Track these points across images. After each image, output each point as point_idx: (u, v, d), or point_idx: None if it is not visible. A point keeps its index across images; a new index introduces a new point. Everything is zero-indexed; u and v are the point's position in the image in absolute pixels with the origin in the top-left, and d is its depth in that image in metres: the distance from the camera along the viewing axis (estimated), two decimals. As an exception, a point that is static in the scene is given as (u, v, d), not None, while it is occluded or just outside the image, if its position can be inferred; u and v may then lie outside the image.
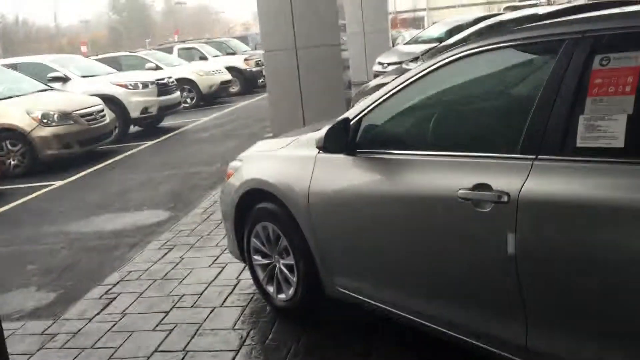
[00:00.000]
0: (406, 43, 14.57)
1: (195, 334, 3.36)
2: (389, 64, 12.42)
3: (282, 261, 3.37)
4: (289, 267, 3.31)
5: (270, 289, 3.49)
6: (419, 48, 12.55)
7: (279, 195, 3.18)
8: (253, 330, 3.33)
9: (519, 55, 2.40)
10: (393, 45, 17.55)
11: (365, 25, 15.93)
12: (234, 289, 3.91)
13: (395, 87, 2.70)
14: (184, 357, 3.12)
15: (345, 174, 2.82)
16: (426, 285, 2.54)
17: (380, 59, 13.00)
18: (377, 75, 12.42)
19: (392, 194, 2.58)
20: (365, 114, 2.79)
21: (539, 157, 2.08)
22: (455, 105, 2.68)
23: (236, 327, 3.40)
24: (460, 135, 2.52)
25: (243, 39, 26.70)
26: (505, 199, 2.11)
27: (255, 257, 3.55)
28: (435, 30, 14.41)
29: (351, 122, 2.79)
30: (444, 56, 2.55)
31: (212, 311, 3.62)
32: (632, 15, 2.10)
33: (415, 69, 2.67)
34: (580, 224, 1.96)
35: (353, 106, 7.22)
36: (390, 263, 2.68)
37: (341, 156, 2.84)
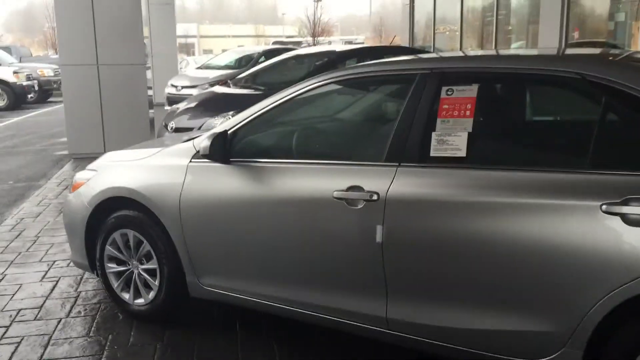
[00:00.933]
0: (198, 68, 14.85)
1: (48, 344, 3.28)
2: (182, 87, 12.59)
3: (141, 267, 3.47)
4: (150, 272, 3.43)
5: (126, 295, 3.56)
6: (210, 73, 13.02)
7: (145, 202, 3.31)
8: (112, 336, 3.37)
9: (381, 84, 2.97)
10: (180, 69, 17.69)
11: (153, 48, 15.84)
12: (76, 300, 3.85)
13: (270, 103, 3.08)
14: (42, 368, 3.06)
15: (220, 181, 3.09)
16: (300, 275, 2.92)
17: (172, 81, 13.10)
18: (170, 97, 12.52)
19: (268, 196, 2.94)
20: (240, 127, 3.11)
21: (402, 164, 2.63)
22: (325, 123, 3.15)
23: (91, 334, 3.40)
24: (336, 147, 3.00)
25: (6, 49, 24.41)
26: (375, 197, 2.62)
27: (110, 264, 3.58)
28: (225, 59, 14.97)
29: (228, 134, 3.09)
30: (313, 81, 3.00)
31: (59, 322, 3.54)
32: (468, 59, 2.78)
33: (286, 90, 3.07)
34: (433, 215, 2.53)
35: (165, 127, 7.33)
36: (264, 259, 3.02)
37: (216, 164, 3.11)
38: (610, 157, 2.31)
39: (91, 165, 3.80)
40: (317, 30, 46.45)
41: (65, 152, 9.01)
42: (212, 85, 10.93)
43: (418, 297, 2.62)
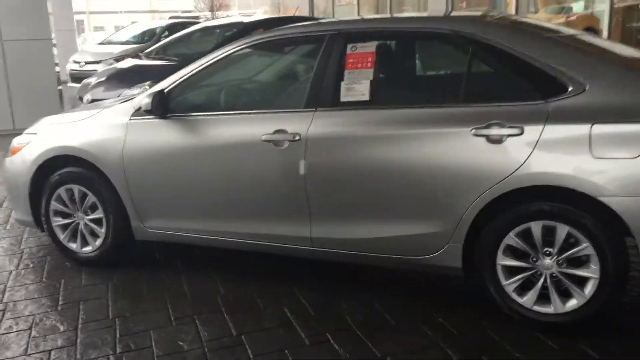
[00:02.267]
0: (100, 43, 14.67)
1: (4, 291, 3.61)
2: (86, 63, 12.50)
3: (87, 217, 3.85)
4: (96, 221, 3.82)
5: (73, 245, 3.93)
6: (112, 49, 13.00)
7: (90, 159, 3.69)
8: (64, 280, 3.75)
9: (295, 45, 3.51)
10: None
11: (53, 24, 15.43)
12: (22, 255, 4.16)
13: (200, 65, 3.54)
14: (5, 309, 3.40)
15: (161, 134, 3.53)
16: (233, 209, 3.44)
17: (75, 57, 12.96)
18: (73, 73, 12.42)
19: (203, 144, 3.42)
20: (175, 87, 3.55)
21: (318, 109, 3.20)
22: (255, 80, 3.67)
23: (44, 280, 3.75)
24: (262, 99, 3.52)
25: None
26: (297, 137, 3.17)
27: (56, 218, 3.93)
28: (126, 34, 14.85)
29: (164, 92, 3.52)
30: (237, 44, 3.49)
31: (10, 273, 3.87)
32: (368, 21, 3.37)
33: (216, 52, 3.54)
34: (344, 148, 3.12)
35: (80, 99, 7.51)
36: (201, 199, 3.50)
37: (154, 120, 3.54)
38: (477, 93, 2.99)
39: (29, 130, 4.09)
40: (214, 4, 45.83)
41: (-28, 132, 8.89)
42: (117, 60, 11.01)
43: (335, 217, 3.22)
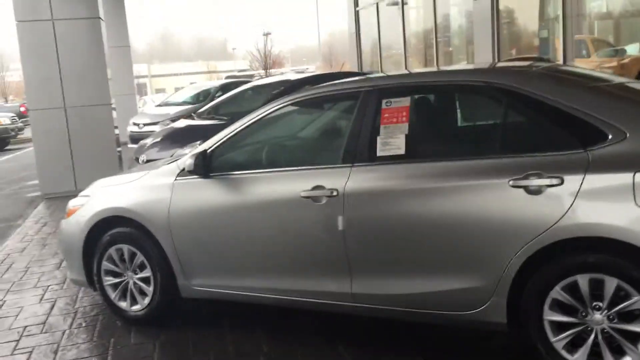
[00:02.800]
0: (157, 105, 15.32)
1: (57, 349, 3.72)
2: (144, 125, 13.06)
3: (135, 276, 3.95)
4: (145, 280, 3.92)
5: (123, 304, 4.02)
6: (172, 110, 13.53)
7: (138, 218, 3.81)
8: (114, 339, 3.83)
9: (332, 102, 3.59)
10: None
11: (112, 89, 16.27)
12: (76, 314, 4.29)
13: (240, 126, 3.65)
14: (56, 368, 3.49)
15: (204, 193, 3.63)
16: (276, 266, 3.46)
17: (134, 120, 13.57)
18: (133, 135, 12.99)
19: (245, 202, 3.49)
20: (217, 147, 3.67)
21: (354, 164, 3.22)
22: (289, 137, 3.75)
23: (95, 339, 3.84)
24: (300, 156, 3.59)
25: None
26: (335, 193, 3.20)
27: (107, 278, 4.05)
28: (182, 95, 15.49)
29: (207, 153, 3.64)
30: (275, 104, 3.60)
31: (64, 333, 3.98)
32: (401, 77, 3.41)
33: (255, 112, 3.66)
34: (382, 203, 3.11)
35: (136, 160, 7.80)
36: (244, 256, 3.55)
37: (198, 180, 3.65)
38: (513, 144, 2.95)
39: (83, 192, 4.28)
40: (268, 62, 47.30)
41: (38, 193, 9.34)
42: (173, 120, 11.44)
43: (375, 272, 3.19)
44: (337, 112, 3.66)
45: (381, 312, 3.24)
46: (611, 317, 2.69)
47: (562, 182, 2.71)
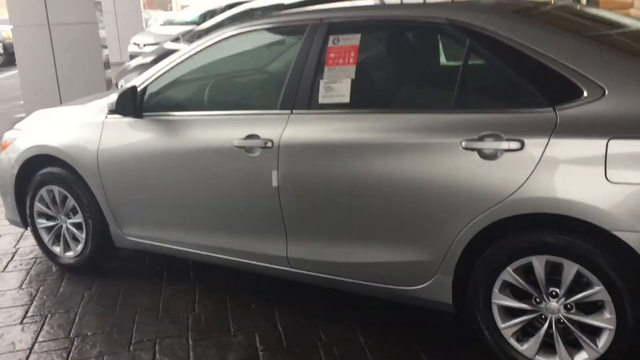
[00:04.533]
0: (162, 25, 14.70)
1: (-19, 297, 3.45)
2: (145, 45, 12.52)
3: (69, 221, 3.62)
4: (77, 225, 3.58)
5: (57, 249, 3.71)
6: (174, 30, 12.87)
7: (66, 159, 3.43)
8: (42, 287, 3.54)
9: (275, 35, 3.08)
10: (146, 26, 17.50)
11: (116, 5, 15.64)
12: (13, 256, 4.01)
13: (176, 59, 3.18)
14: (-27, 318, 3.23)
15: (133, 134, 3.21)
16: (208, 221, 3.08)
17: (135, 39, 13.01)
18: (133, 55, 12.46)
19: (176, 147, 3.07)
20: (150, 83, 3.22)
21: (293, 111, 2.77)
22: (227, 74, 3.28)
23: (23, 286, 3.56)
24: (233, 98, 3.12)
25: None
26: (269, 144, 2.76)
27: (39, 220, 3.73)
28: (189, 14, 14.78)
29: (138, 89, 3.20)
30: (214, 35, 3.10)
31: (-6, 277, 3.71)
32: (352, 9, 2.88)
33: (191, 46, 3.18)
34: (320, 159, 2.68)
35: (116, 85, 7.38)
36: (176, 208, 3.17)
37: (129, 119, 3.23)
38: (472, 97, 2.46)
39: (18, 125, 3.89)
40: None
41: (24, 115, 9.01)
42: (173, 41, 10.89)
43: (312, 236, 2.79)
44: (282, 49, 3.15)
45: (318, 280, 2.87)
46: (568, 306, 2.29)
47: (522, 147, 2.24)
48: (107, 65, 9.27)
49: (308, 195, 2.74)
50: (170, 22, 14.40)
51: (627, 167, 2.07)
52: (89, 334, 3.01)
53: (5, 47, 18.64)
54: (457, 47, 2.51)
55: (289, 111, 2.78)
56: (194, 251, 3.19)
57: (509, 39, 2.37)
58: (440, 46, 2.66)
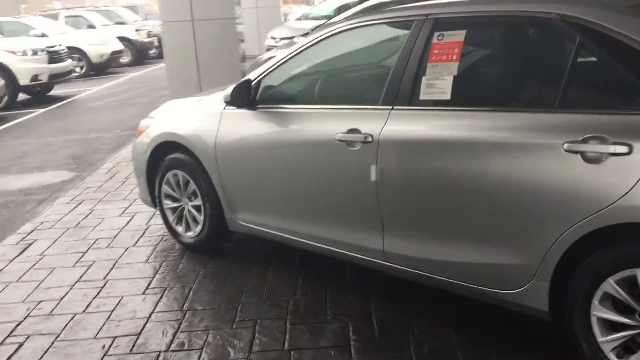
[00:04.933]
0: (297, 19, 15.16)
1: (112, 267, 3.84)
2: (281, 39, 12.97)
3: (190, 203, 3.91)
4: (197, 208, 3.87)
5: (179, 228, 4.03)
6: (309, 24, 13.19)
7: (188, 145, 3.71)
8: (165, 262, 3.87)
9: (383, 31, 3.11)
10: (284, 21, 18.13)
11: (258, 0, 16.35)
12: (144, 232, 4.40)
13: (288, 54, 3.32)
14: (104, 285, 3.60)
15: (247, 125, 3.41)
16: (311, 211, 3.20)
17: (272, 33, 13.52)
18: (269, 49, 12.97)
19: (284, 139, 3.22)
20: (264, 76, 3.39)
21: (395, 107, 2.79)
22: (333, 69, 3.37)
23: (149, 260, 3.91)
24: (338, 93, 3.21)
25: (132, 8, 26.09)
26: (370, 139, 2.81)
27: (166, 201, 4.06)
28: (325, 8, 15.10)
29: (252, 83, 3.38)
30: (325, 30, 3.20)
31: (126, 250, 4.10)
32: (458, 4, 2.83)
33: (303, 40, 3.30)
34: (420, 154, 2.68)
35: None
36: (282, 196, 3.32)
37: (244, 110, 3.43)
38: (578, 97, 2.33)
39: (151, 113, 4.26)
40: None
41: (171, 103, 9.77)
42: (303, 36, 11.22)
43: (410, 232, 2.80)
44: (389, 44, 3.16)
45: (413, 276, 2.88)
46: (676, 326, 2.12)
47: (630, 151, 2.10)
48: (243, 58, 9.77)
49: (405, 191, 2.75)
50: (306, 17, 14.79)
51: None
52: (199, 308, 3.25)
53: (159, 41, 20.21)
54: (566, 43, 2.38)
55: (391, 107, 2.80)
56: (299, 239, 3.33)
57: (623, 35, 2.22)
58: (549, 42, 2.53)
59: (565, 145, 2.23)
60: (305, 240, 3.27)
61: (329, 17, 13.63)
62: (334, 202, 3.06)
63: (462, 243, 2.63)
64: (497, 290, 2.57)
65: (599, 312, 2.28)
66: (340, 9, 14.08)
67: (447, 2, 2.89)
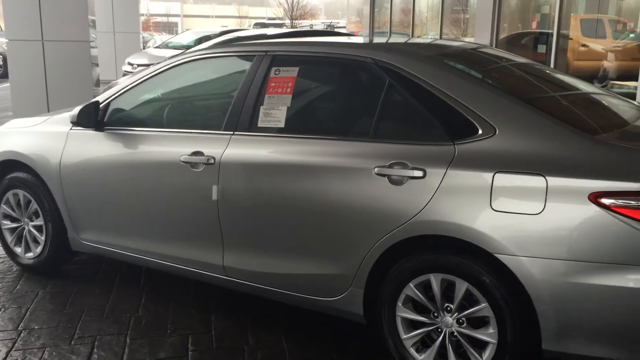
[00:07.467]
0: (157, 47, 15.11)
1: (-59, 290, 3.68)
2: (138, 65, 12.87)
3: (31, 223, 3.87)
4: (38, 228, 3.84)
5: (18, 249, 3.96)
6: (168, 53, 13.23)
7: (32, 165, 3.70)
8: (1, 284, 3.77)
9: (228, 63, 3.40)
10: (144, 48, 17.95)
11: (115, 25, 16.07)
12: (-20, 254, 4.25)
13: (139, 78, 3.49)
14: None
15: (93, 146, 3.49)
16: (155, 230, 3.34)
17: (130, 59, 13.37)
18: (126, 74, 12.81)
19: (131, 160, 3.35)
20: (113, 99, 3.52)
21: (235, 132, 3.05)
22: (179, 96, 3.59)
23: (-17, 283, 3.80)
24: (183, 118, 3.42)
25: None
26: (212, 161, 3.04)
27: (4, 221, 3.98)
28: (185, 38, 15.21)
29: (101, 104, 3.49)
30: (176, 59, 3.41)
31: (-44, 273, 3.94)
32: (293, 44, 3.19)
33: (151, 68, 3.49)
34: (255, 177, 2.96)
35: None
36: (127, 216, 3.43)
37: (91, 132, 3.51)
38: (387, 129, 2.75)
39: (-4, 130, 4.17)
40: (295, 13, 46.47)
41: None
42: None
43: (245, 247, 3.05)
44: (232, 76, 3.46)
45: (251, 289, 3.12)
46: (460, 320, 2.55)
47: (424, 175, 2.52)
48: (97, 82, 9.61)
49: (243, 209, 3.01)
50: (166, 45, 14.81)
51: (508, 198, 2.35)
52: (36, 327, 3.24)
53: (5, 59, 19.07)
54: (379, 83, 2.80)
55: (232, 132, 3.06)
56: (143, 257, 3.44)
57: (421, 79, 2.68)
58: (365, 82, 2.96)
59: (376, 169, 2.62)
60: (150, 259, 3.40)
61: (188, 47, 13.77)
62: (178, 221, 3.24)
63: (291, 256, 2.92)
64: (321, 298, 2.88)
65: (402, 312, 2.67)
66: (201, 40, 14.27)
67: (285, 41, 3.24)
